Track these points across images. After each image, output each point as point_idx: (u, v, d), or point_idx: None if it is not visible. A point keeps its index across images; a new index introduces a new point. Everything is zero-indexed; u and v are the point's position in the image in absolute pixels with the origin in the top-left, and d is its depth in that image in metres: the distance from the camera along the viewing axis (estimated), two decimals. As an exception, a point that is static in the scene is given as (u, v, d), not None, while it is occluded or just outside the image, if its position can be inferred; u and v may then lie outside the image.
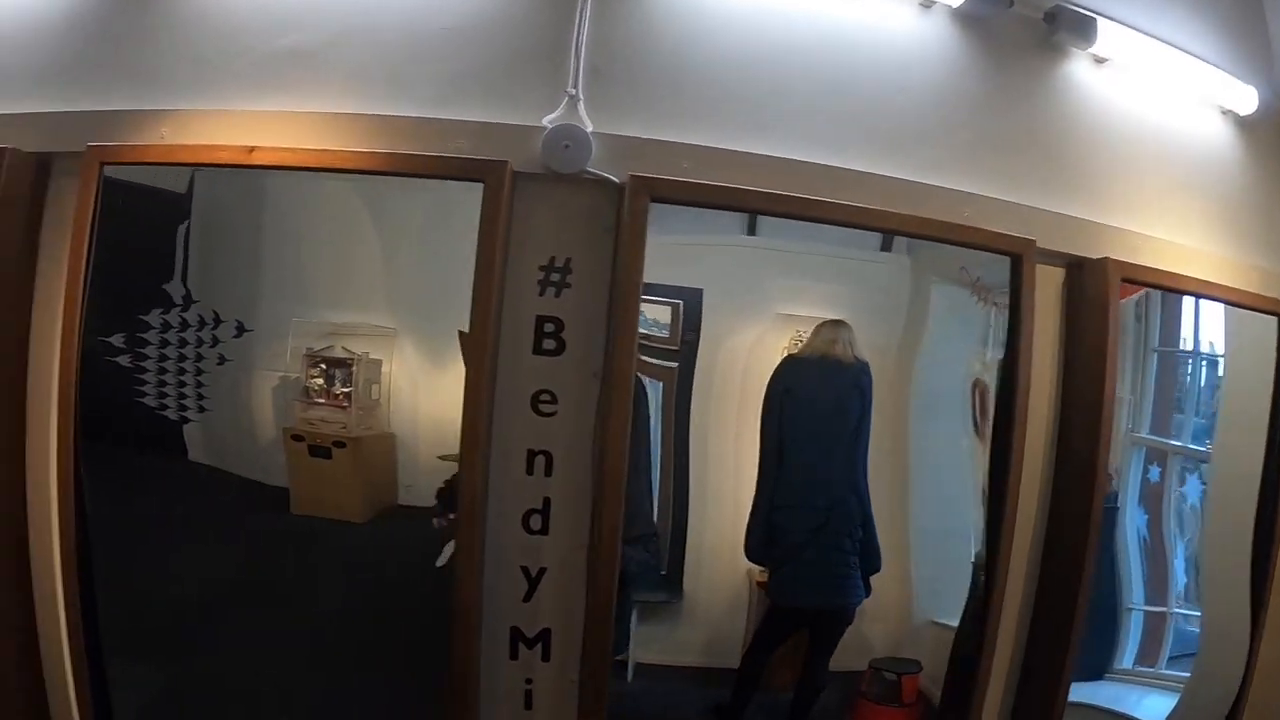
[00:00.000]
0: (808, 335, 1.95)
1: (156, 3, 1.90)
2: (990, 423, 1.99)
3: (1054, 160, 2.04)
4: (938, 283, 2.04)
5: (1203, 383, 2.44)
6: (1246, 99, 2.12)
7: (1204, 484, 2.37)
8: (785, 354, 1.96)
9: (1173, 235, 2.06)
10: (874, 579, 2.00)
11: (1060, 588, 1.97)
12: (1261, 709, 2.28)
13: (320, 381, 1.84)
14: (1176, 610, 2.40)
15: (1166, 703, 2.33)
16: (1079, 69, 2.06)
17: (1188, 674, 2.35)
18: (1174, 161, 2.11)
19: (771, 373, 1.95)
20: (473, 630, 1.73)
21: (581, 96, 1.81)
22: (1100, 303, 1.93)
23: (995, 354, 2.01)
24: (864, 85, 1.93)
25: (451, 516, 1.72)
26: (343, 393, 1.83)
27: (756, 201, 1.78)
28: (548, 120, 1.78)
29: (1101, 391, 1.91)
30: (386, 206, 1.86)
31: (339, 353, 1.83)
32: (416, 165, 1.69)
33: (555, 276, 1.80)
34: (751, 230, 1.93)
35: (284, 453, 1.87)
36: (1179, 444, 2.34)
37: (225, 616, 1.92)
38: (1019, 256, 1.90)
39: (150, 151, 1.82)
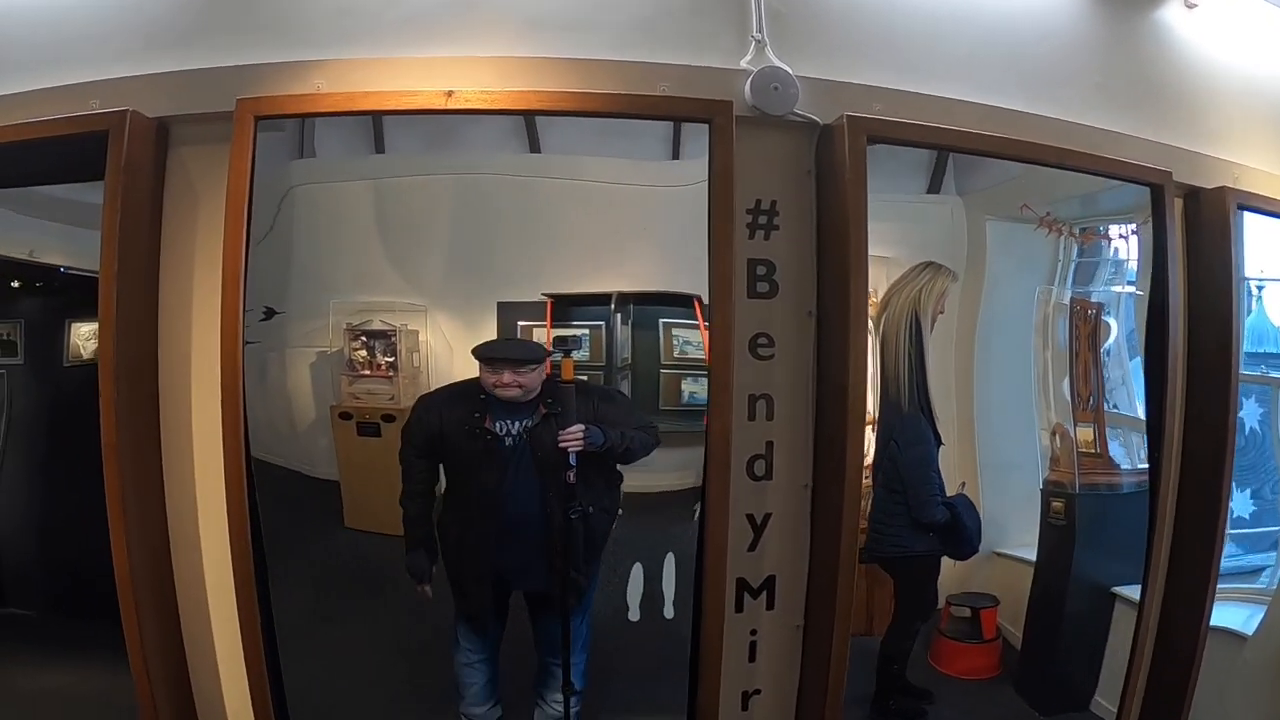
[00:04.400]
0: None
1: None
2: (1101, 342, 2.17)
3: (1162, 98, 2.19)
4: (992, 220, 2.12)
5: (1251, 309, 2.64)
6: (1316, 40, 2.34)
7: (1262, 407, 2.56)
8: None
9: (1264, 165, 2.26)
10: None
11: (1205, 487, 2.13)
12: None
13: (363, 354, 1.80)
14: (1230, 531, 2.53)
15: (1241, 612, 2.48)
16: (1174, 15, 2.22)
17: (1253, 586, 2.53)
18: (1257, 97, 2.31)
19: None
20: (721, 587, 1.70)
21: (767, 41, 1.80)
22: (1222, 227, 2.10)
23: (1071, 282, 2.16)
24: (1014, 32, 2.02)
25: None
26: (386, 362, 1.79)
27: (961, 141, 1.84)
28: (745, 63, 1.77)
29: (1230, 307, 2.08)
30: (403, 197, 1.84)
31: (378, 325, 1.80)
32: (641, 106, 1.65)
33: (763, 219, 1.80)
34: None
35: (331, 434, 1.83)
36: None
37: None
38: (1159, 187, 2.03)
39: (313, 101, 1.68)
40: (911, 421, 1.95)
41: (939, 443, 1.99)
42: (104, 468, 1.65)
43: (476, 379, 1.76)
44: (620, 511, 1.86)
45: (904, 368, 1.96)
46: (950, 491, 2.02)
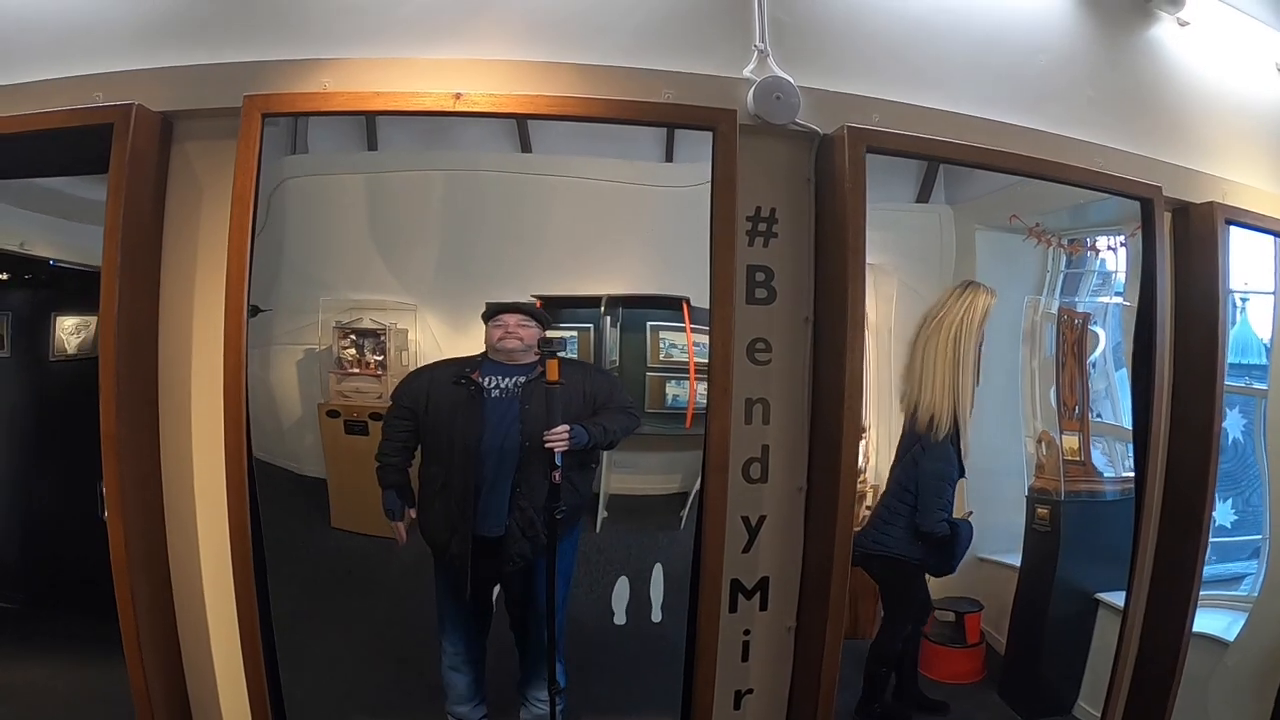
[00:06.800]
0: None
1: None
2: (1088, 352, 2.20)
3: (1153, 113, 2.24)
4: (982, 230, 2.15)
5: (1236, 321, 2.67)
6: (1304, 59, 2.40)
7: (1245, 418, 2.61)
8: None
9: (1252, 181, 2.30)
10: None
11: (1189, 495, 2.18)
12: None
13: (352, 352, 1.80)
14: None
15: (1222, 619, 2.54)
16: (1166, 33, 2.26)
17: (1233, 593, 2.58)
18: (1246, 114, 2.37)
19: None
20: (717, 588, 1.72)
21: (770, 51, 1.82)
22: (1210, 242, 2.14)
23: (1059, 292, 2.20)
24: (1011, 46, 2.06)
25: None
26: (375, 361, 1.80)
27: (957, 153, 1.87)
28: (748, 72, 1.79)
29: (1216, 320, 2.13)
30: (394, 196, 1.86)
31: (367, 324, 1.80)
32: (646, 112, 1.67)
33: (762, 226, 1.82)
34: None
35: (318, 432, 1.83)
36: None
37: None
38: (1149, 201, 2.08)
39: (320, 100, 1.69)
40: (941, 449, 2.00)
41: (961, 474, 2.04)
42: (104, 460, 1.65)
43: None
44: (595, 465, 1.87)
45: (945, 396, 2.01)
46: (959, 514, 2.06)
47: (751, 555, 1.85)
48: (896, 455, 2.04)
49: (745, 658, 1.88)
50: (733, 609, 1.85)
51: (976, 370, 2.05)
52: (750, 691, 1.90)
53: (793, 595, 1.87)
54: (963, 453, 2.05)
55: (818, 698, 1.80)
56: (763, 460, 1.84)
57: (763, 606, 1.86)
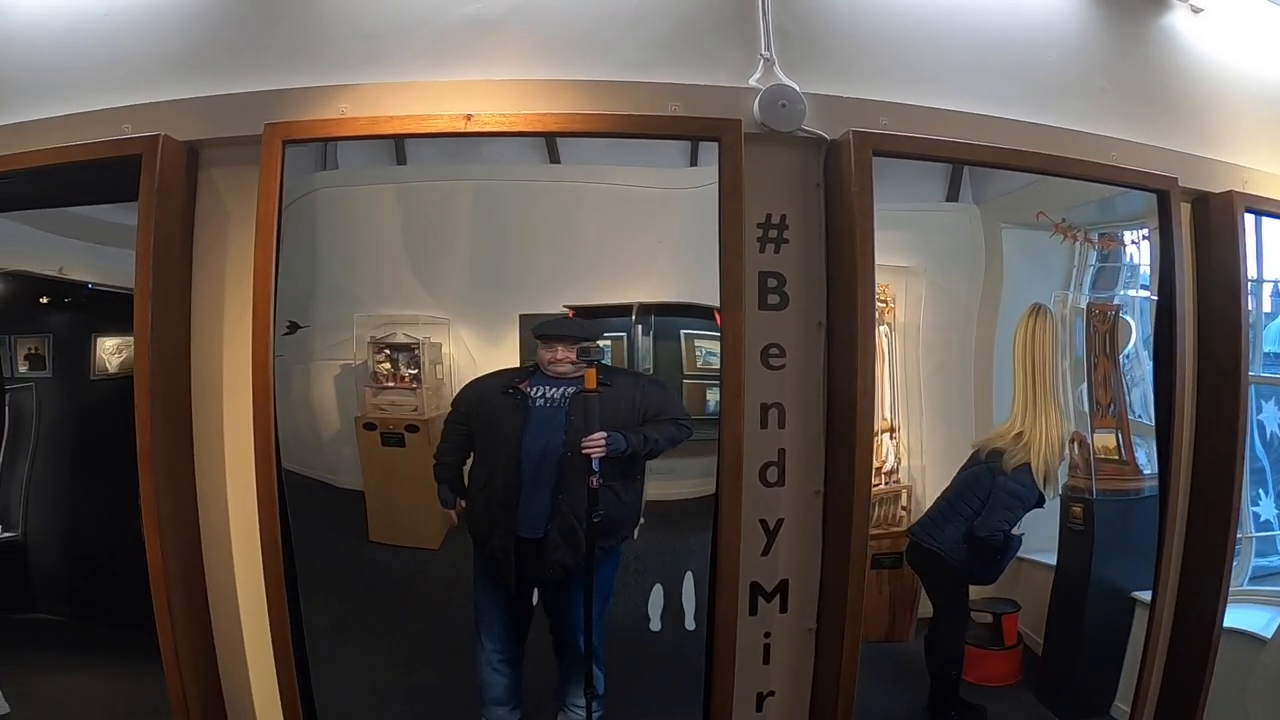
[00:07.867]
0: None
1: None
2: (1120, 347, 2.18)
3: (1169, 103, 2.21)
4: (1009, 227, 2.13)
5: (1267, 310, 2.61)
6: (1323, 40, 2.35)
7: (1283, 410, 2.55)
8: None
9: (1273, 169, 2.27)
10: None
11: (1217, 490, 2.14)
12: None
13: (387, 366, 1.84)
14: (1256, 535, 2.54)
15: (1262, 615, 2.47)
16: (1180, 20, 2.24)
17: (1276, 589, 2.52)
18: (1265, 100, 2.33)
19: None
20: (734, 590, 1.74)
21: (775, 59, 1.84)
22: (1230, 231, 2.11)
23: (1089, 288, 2.18)
24: (1020, 43, 2.05)
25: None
26: (410, 374, 1.83)
27: (966, 153, 1.88)
28: (753, 81, 1.81)
29: (1239, 311, 2.09)
30: (424, 211, 1.89)
31: (401, 338, 1.84)
32: (652, 126, 1.70)
33: (773, 233, 1.84)
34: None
35: (355, 444, 1.87)
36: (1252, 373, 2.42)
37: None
38: (1165, 193, 2.05)
39: (338, 125, 1.74)
40: (1025, 473, 2.04)
41: (1040, 503, 2.06)
42: (139, 475, 1.72)
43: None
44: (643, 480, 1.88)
45: (1052, 448, 2.06)
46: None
47: (770, 558, 1.87)
48: (968, 461, 2.04)
49: (766, 660, 1.89)
50: (753, 612, 1.87)
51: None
52: (772, 693, 1.92)
53: (812, 597, 1.89)
54: (1045, 484, 2.06)
55: (838, 698, 1.80)
56: (779, 464, 1.86)
57: (783, 609, 1.88)
